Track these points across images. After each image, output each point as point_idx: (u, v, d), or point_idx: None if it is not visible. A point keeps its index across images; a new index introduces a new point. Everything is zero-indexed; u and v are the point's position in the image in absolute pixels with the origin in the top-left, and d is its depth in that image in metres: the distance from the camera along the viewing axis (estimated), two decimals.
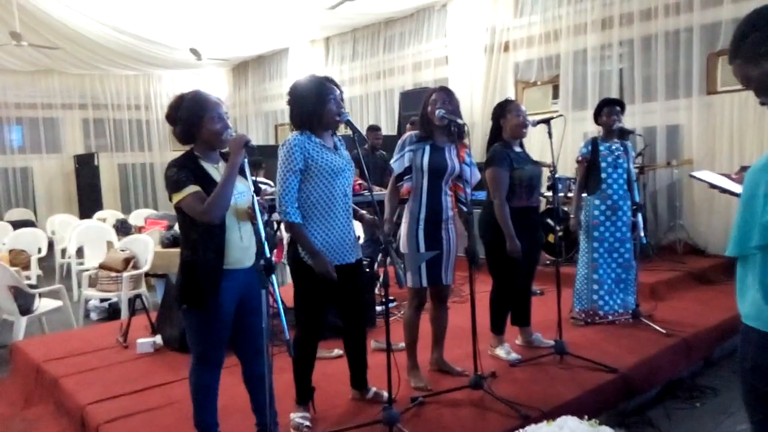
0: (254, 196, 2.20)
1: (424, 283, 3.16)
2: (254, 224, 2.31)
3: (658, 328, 3.98)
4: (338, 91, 2.75)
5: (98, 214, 9.49)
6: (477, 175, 3.29)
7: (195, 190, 2.25)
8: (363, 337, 3.04)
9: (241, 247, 2.36)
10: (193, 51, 9.84)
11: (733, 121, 6.00)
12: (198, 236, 2.29)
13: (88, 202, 11.56)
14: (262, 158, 5.71)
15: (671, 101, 6.43)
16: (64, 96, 12.31)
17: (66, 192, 12.35)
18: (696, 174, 2.22)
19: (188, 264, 2.33)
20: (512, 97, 7.93)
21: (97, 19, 8.55)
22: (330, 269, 2.65)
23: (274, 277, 2.18)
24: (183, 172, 2.27)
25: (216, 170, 2.38)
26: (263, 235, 2.20)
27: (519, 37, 7.79)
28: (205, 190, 2.26)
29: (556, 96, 7.59)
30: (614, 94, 6.64)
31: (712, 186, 2.04)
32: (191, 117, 2.32)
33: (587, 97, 7.11)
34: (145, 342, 4.01)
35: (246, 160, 2.25)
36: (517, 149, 3.66)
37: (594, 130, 6.51)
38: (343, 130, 3.09)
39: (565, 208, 5.86)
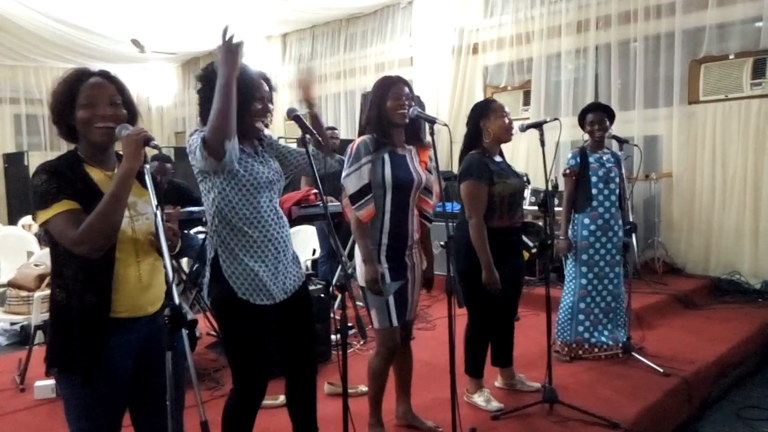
0: (157, 215, 1.55)
1: (395, 321, 2.54)
2: (161, 255, 1.67)
3: (654, 366, 3.48)
4: (267, 89, 2.15)
5: (24, 220, 8.51)
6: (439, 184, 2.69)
7: (69, 207, 1.57)
8: (312, 391, 2.35)
9: (139, 287, 1.69)
10: (135, 42, 9.01)
11: (715, 133, 5.64)
12: (74, 273, 1.61)
13: (17, 206, 10.53)
14: (168, 158, 4.85)
15: (650, 110, 6.03)
16: None
17: None
18: None
19: (61, 310, 1.64)
20: None
21: (26, 4, 7.66)
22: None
23: (185, 334, 1.55)
24: (56, 180, 1.59)
25: (109, 180, 1.71)
26: (170, 271, 1.56)
27: (489, 39, 7.32)
28: (89, 208, 1.58)
29: (527, 102, 7.14)
30: (589, 102, 6.20)
31: None
32: (60, 102, 1.65)
33: (560, 104, 6.68)
34: (45, 385, 3.26)
35: (147, 167, 1.59)
36: (498, 158, 3.11)
37: (566, 140, 6.14)
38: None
39: (539, 223, 5.38)
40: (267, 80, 2.18)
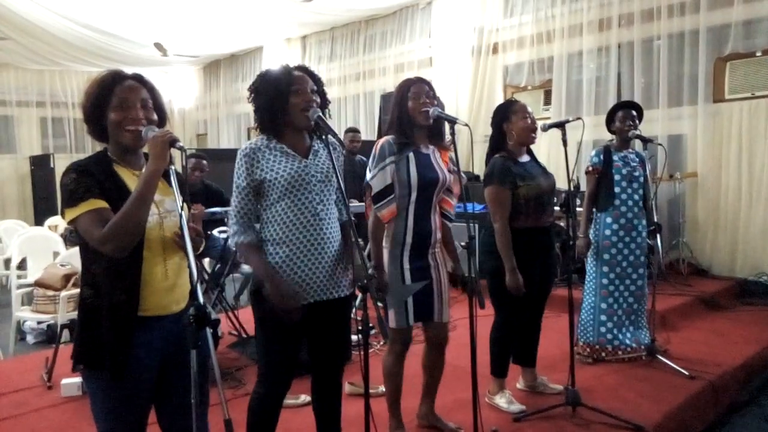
0: (182, 215, 1.56)
1: (411, 321, 2.56)
2: (186, 254, 1.68)
3: (679, 368, 3.43)
4: (310, 82, 2.13)
5: (50, 221, 8.68)
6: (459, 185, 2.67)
7: (96, 206, 1.60)
8: (337, 391, 2.38)
9: (165, 286, 1.71)
10: (158, 46, 9.14)
11: (742, 132, 5.53)
12: (103, 271, 1.64)
13: (43, 207, 10.76)
14: (205, 156, 4.85)
15: (674, 109, 5.94)
16: (20, 93, 11.60)
17: (20, 196, 11.54)
18: None
19: (90, 308, 1.67)
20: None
21: (54, 10, 7.82)
22: (292, 300, 2.04)
23: (209, 333, 1.56)
24: (84, 179, 1.62)
25: (137, 179, 1.73)
26: (194, 270, 1.58)
27: (509, 39, 7.28)
28: (117, 207, 1.61)
29: (548, 102, 7.08)
30: (612, 101, 6.14)
31: None
32: (93, 103, 1.68)
33: (582, 103, 6.61)
34: (71, 383, 3.32)
35: (173, 168, 1.62)
36: (524, 159, 3.07)
37: (588, 139, 6.07)
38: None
39: (560, 224, 5.34)
40: (303, 69, 2.15)
